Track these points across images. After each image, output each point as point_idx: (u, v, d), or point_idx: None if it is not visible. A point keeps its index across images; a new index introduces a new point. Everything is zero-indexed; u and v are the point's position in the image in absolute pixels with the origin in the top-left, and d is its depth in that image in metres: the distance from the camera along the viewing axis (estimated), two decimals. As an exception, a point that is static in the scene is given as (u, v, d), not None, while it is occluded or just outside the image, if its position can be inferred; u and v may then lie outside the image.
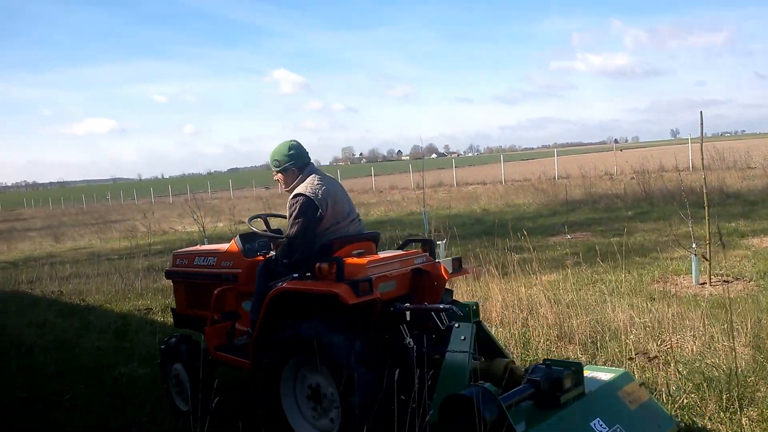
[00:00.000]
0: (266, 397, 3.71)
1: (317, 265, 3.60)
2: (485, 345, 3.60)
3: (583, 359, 5.01)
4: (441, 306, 3.55)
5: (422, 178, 18.64)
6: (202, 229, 14.99)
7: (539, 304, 6.51)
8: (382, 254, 4.00)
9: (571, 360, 3.54)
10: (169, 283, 5.71)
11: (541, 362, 3.32)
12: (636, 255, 9.40)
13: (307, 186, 4.01)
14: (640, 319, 5.60)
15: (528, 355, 5.32)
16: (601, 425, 3.14)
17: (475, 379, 3.22)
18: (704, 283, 7.40)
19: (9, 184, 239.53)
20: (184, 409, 4.45)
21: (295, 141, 4.22)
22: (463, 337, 3.31)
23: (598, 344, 5.29)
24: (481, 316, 4.41)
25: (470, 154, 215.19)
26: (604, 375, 3.60)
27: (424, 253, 4.08)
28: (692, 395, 4.11)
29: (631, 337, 5.14)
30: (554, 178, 28.39)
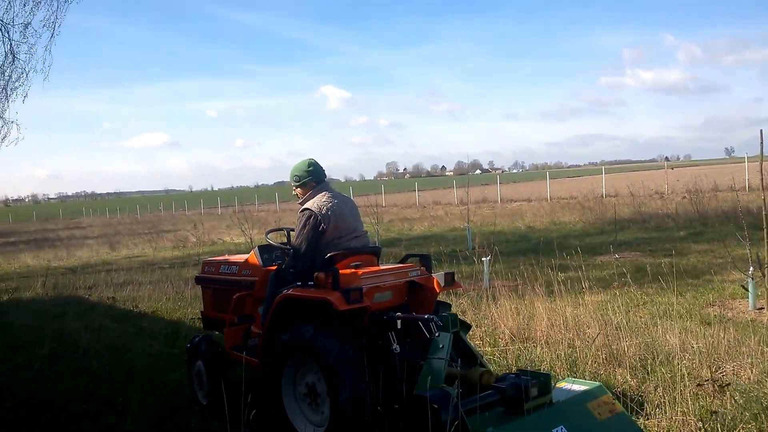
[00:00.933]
0: (269, 393, 4.03)
1: (315, 274, 3.96)
2: (465, 354, 3.94)
3: (632, 383, 4.90)
4: (424, 316, 3.81)
5: (467, 194, 18.62)
6: (249, 240, 15.29)
7: (586, 324, 6.40)
8: (380, 267, 4.34)
9: (541, 371, 3.71)
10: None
11: (513, 372, 3.63)
12: (688, 277, 9.15)
13: (315, 202, 4.39)
14: (693, 343, 5.44)
15: (575, 376, 5.23)
16: None
17: (451, 384, 3.54)
18: (762, 308, 7.15)
19: (70, 193, 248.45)
20: (203, 402, 4.89)
21: (313, 159, 4.63)
22: (441, 345, 3.64)
23: (649, 368, 5.16)
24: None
25: (515, 171, 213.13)
26: (578, 387, 3.78)
27: (419, 267, 4.38)
28: (750, 425, 3.97)
29: (684, 362, 5.00)
30: (602, 196, 27.90)
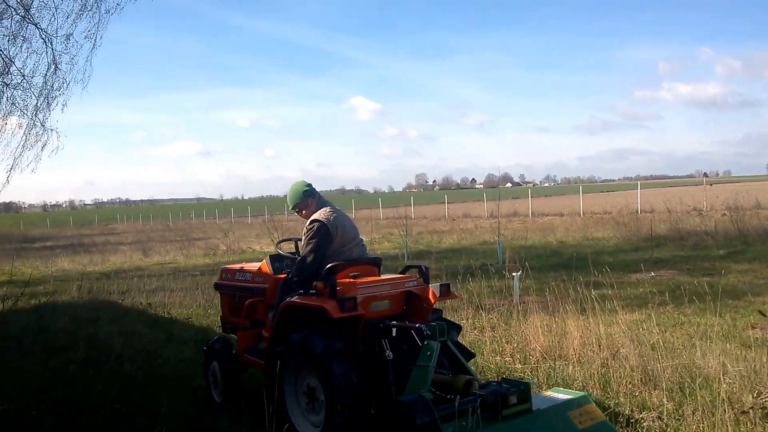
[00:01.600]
0: (274, 393, 4.28)
1: (314, 283, 4.25)
2: (453, 362, 4.09)
3: (668, 406, 4.76)
4: (414, 325, 4.03)
5: (497, 207, 18.46)
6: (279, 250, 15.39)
7: (620, 344, 6.26)
8: (377, 277, 4.54)
9: (522, 380, 3.91)
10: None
11: (497, 380, 3.83)
12: (728, 297, 8.89)
13: (321, 213, 4.72)
14: (733, 367, 5.27)
15: (609, 398, 5.11)
16: None
17: (437, 390, 3.77)
18: (805, 332, 6.91)
19: (105, 200, 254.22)
20: (218, 400, 5.22)
21: (306, 181, 5.03)
22: (429, 353, 3.81)
23: (687, 391, 5.01)
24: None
25: (547, 185, 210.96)
26: (562, 396, 3.95)
27: (416, 278, 4.56)
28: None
29: (724, 386, 4.84)
30: (637, 211, 27.40)
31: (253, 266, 5.51)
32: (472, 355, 4.79)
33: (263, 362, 4.58)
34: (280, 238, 5.51)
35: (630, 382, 5.31)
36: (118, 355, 6.79)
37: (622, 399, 5.03)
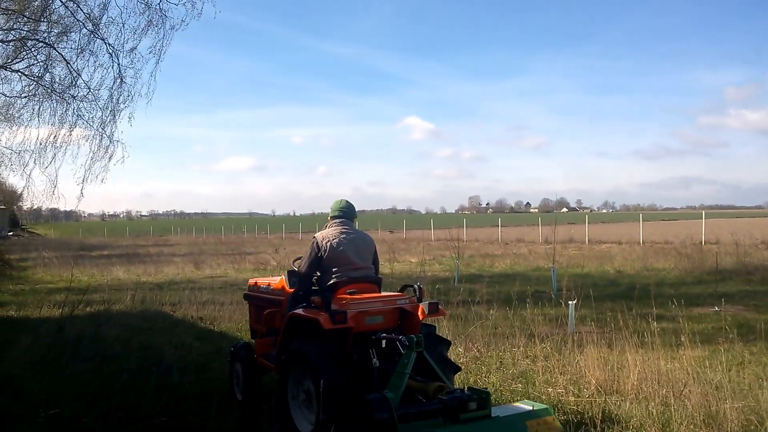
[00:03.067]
0: (279, 395, 4.93)
1: (312, 297, 4.79)
2: (428, 371, 4.54)
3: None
4: (399, 337, 4.49)
5: (553, 233, 18.02)
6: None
7: (682, 381, 5.94)
8: (372, 295, 5.01)
9: (483, 389, 4.25)
10: None
11: (463, 388, 4.31)
12: (798, 337, 8.36)
13: (323, 233, 5.28)
14: (807, 412, 4.91)
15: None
16: None
17: (416, 394, 4.36)
18: None
19: (161, 212, 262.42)
20: (239, 398, 5.86)
21: (345, 200, 5.49)
22: (405, 361, 4.32)
23: (755, 436, 4.69)
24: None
25: (605, 211, 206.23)
26: (525, 407, 4.33)
27: (408, 296, 5.05)
28: None
29: (796, 432, 4.51)
30: (701, 242, 26.36)
31: (274, 280, 6.05)
32: (458, 369, 5.21)
33: (275, 366, 5.17)
34: (295, 257, 5.83)
35: (692, 423, 5.01)
36: (168, 366, 6.86)
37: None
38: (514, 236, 39.85)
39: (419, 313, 4.92)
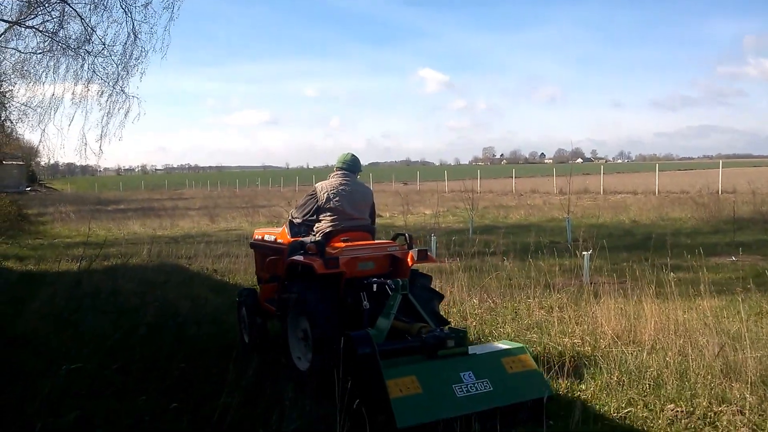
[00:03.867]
0: (280, 336, 5.38)
1: (307, 245, 5.15)
2: (414, 313, 4.86)
3: (751, 400, 4.44)
4: (386, 281, 4.86)
5: (568, 183, 17.81)
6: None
7: (699, 331, 5.91)
8: (364, 242, 5.30)
9: (461, 329, 4.67)
10: None
11: (443, 328, 4.64)
12: (818, 286, 8.27)
13: (323, 182, 5.57)
14: (827, 361, 4.87)
15: (685, 389, 4.81)
16: (470, 377, 4.19)
17: (395, 334, 4.68)
18: None
19: (175, 165, 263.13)
20: (246, 341, 6.16)
21: (350, 154, 5.74)
22: (392, 303, 4.70)
23: (775, 386, 4.66)
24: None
25: (620, 161, 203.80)
26: (502, 346, 4.72)
27: (398, 244, 5.35)
28: None
29: (817, 382, 4.47)
30: (718, 192, 26.01)
31: (278, 230, 6.32)
32: (447, 323, 5.29)
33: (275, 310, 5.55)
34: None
35: (709, 373, 4.99)
36: (184, 319, 6.93)
37: (699, 390, 4.74)
38: (529, 187, 39.56)
39: (408, 259, 5.18)
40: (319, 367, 4.65)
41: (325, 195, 5.43)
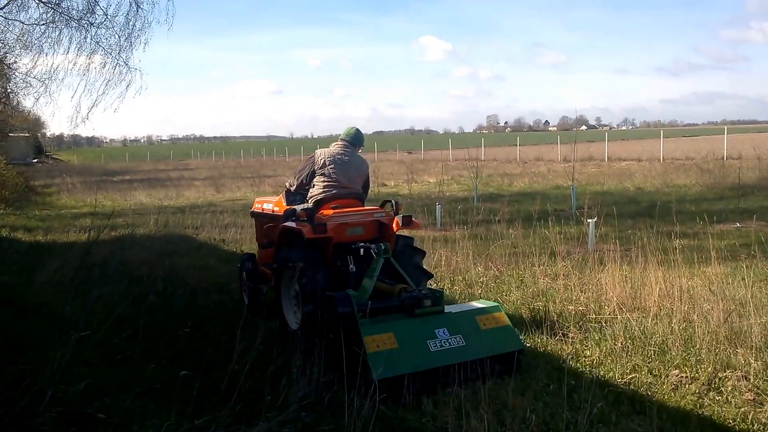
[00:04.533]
0: (274, 298, 5.70)
1: (298, 212, 5.37)
2: (395, 275, 5.16)
3: (755, 365, 4.48)
4: (371, 246, 5.12)
5: (572, 150, 17.66)
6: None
7: (704, 298, 5.93)
8: (352, 209, 5.53)
9: (438, 289, 5.10)
10: None
11: (421, 289, 4.95)
12: (824, 252, 8.25)
13: (324, 149, 5.79)
14: (831, 327, 4.89)
15: (690, 354, 4.86)
16: (444, 333, 4.52)
17: (378, 295, 5.01)
18: None
19: (180, 136, 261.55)
20: (246, 302, 6.48)
21: (355, 128, 5.96)
22: (375, 266, 5.00)
23: (778, 351, 4.69)
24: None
25: (624, 128, 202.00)
26: (477, 305, 5.02)
27: (384, 210, 5.61)
28: None
29: (821, 347, 4.50)
30: (723, 158, 25.86)
31: (275, 198, 6.59)
32: (430, 276, 5.76)
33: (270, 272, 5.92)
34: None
35: (714, 339, 5.02)
36: (192, 288, 6.99)
37: (704, 356, 4.79)
38: (533, 155, 39.35)
39: (394, 225, 5.43)
40: (308, 322, 4.95)
41: (322, 160, 5.67)
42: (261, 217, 6.76)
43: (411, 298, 4.73)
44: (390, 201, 5.77)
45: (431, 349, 4.42)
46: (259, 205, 6.88)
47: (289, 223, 5.40)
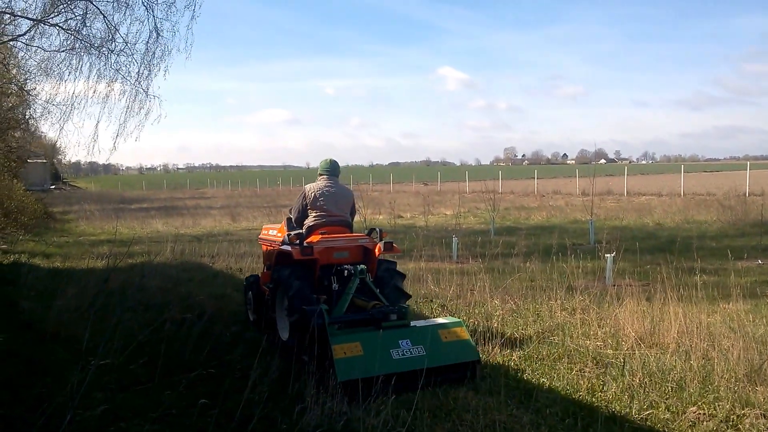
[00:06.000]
0: (268, 313, 6.51)
1: (289, 237, 6.08)
2: (369, 293, 5.88)
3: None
4: (352, 268, 5.85)
5: (591, 184, 17.63)
6: (363, 219, 15.50)
7: (723, 335, 5.85)
8: (339, 235, 6.23)
9: (404, 306, 5.66)
10: None
11: (390, 305, 5.61)
12: None
13: (311, 185, 6.53)
14: None
15: (708, 391, 4.78)
16: (407, 344, 5.09)
17: (356, 310, 5.76)
18: None
19: (197, 164, 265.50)
20: (251, 318, 7.22)
21: (330, 159, 6.69)
22: (351, 285, 5.78)
23: (800, 391, 4.60)
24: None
25: (644, 162, 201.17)
26: (441, 320, 5.65)
27: (368, 237, 6.28)
28: None
29: None
30: (745, 194, 25.53)
31: (278, 226, 7.20)
32: (408, 296, 6.41)
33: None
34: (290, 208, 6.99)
35: (733, 377, 4.95)
36: (209, 317, 7.02)
37: (722, 393, 4.71)
38: (551, 188, 39.27)
39: (376, 250, 6.09)
40: (293, 331, 5.65)
41: (312, 195, 6.38)
42: (265, 242, 7.46)
43: (379, 312, 5.38)
44: (375, 229, 6.47)
45: (393, 357, 4.98)
46: (266, 232, 7.55)
47: (283, 247, 6.17)
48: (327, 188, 6.43)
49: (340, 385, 4.55)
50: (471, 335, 5.64)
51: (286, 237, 6.22)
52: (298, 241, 5.96)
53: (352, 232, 6.51)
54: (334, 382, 4.59)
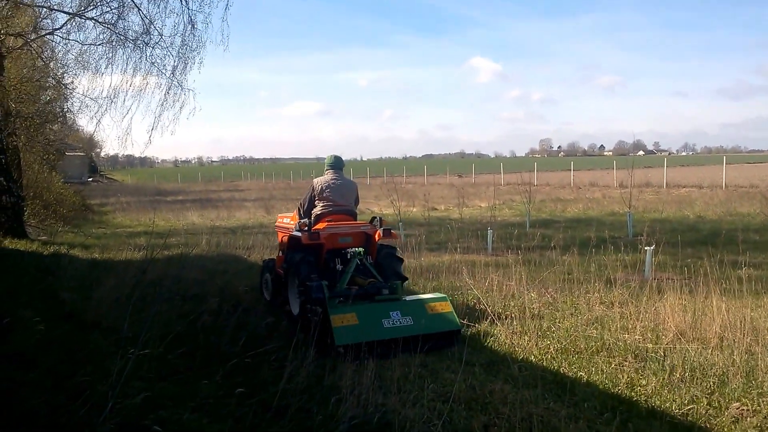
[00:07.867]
0: (282, 292, 7.35)
1: (299, 224, 6.84)
2: (368, 273, 6.69)
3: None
4: (350, 250, 6.65)
5: (629, 176, 17.24)
6: (397, 212, 15.47)
7: (767, 329, 5.68)
8: (342, 223, 6.99)
9: (396, 282, 6.42)
10: None
11: (384, 281, 6.48)
12: None
13: (320, 178, 7.29)
14: None
15: (752, 387, 4.64)
16: (396, 315, 5.87)
17: (357, 286, 6.47)
18: None
19: (230, 157, 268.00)
20: (267, 298, 7.93)
21: (334, 155, 7.51)
22: (350, 265, 6.57)
23: None
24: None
25: (684, 154, 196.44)
26: (430, 295, 6.40)
27: (370, 224, 6.97)
28: None
29: None
30: (789, 185, 24.73)
31: (291, 214, 7.87)
32: (405, 279, 7.08)
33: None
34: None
35: (778, 372, 4.79)
36: (245, 308, 7.10)
37: (766, 389, 4.57)
38: (587, 180, 38.63)
39: (376, 236, 6.81)
40: (303, 304, 6.17)
41: (320, 187, 7.16)
42: (280, 229, 8.24)
43: (373, 287, 6.26)
44: (376, 217, 7.09)
45: (384, 325, 5.75)
46: (280, 220, 8.36)
47: (293, 233, 6.97)
48: (333, 181, 7.20)
49: (339, 348, 5.44)
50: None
51: (297, 224, 6.96)
52: (306, 228, 6.66)
53: (355, 221, 7.25)
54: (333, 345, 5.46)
